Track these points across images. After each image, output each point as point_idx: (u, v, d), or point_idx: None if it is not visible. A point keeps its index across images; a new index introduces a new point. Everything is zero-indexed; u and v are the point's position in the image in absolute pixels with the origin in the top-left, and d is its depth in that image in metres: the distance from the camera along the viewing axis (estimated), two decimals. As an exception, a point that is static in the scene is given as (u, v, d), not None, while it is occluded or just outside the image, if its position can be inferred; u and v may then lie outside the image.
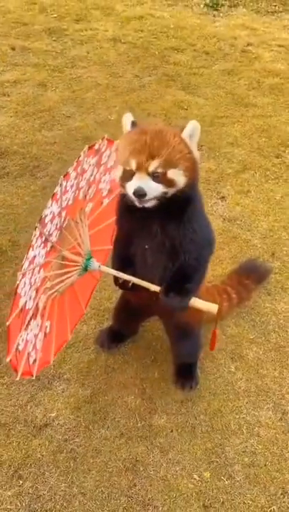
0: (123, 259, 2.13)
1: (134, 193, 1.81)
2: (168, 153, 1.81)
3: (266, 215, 3.45)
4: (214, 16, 6.51)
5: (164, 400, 2.41)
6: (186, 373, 2.47)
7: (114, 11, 6.36)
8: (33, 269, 1.86)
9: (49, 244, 1.93)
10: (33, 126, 4.21)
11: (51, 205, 1.82)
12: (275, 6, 6.85)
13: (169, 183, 1.83)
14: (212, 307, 2.00)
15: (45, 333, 2.06)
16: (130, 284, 2.09)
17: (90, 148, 1.96)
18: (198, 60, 5.36)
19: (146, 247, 2.01)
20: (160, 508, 2.05)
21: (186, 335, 2.40)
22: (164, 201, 1.86)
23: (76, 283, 2.11)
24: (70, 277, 2.04)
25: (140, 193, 1.80)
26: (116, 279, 2.13)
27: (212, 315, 2.36)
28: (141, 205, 1.85)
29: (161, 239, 1.97)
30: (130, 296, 2.33)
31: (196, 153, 1.91)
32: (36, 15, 6.10)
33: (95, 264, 2.06)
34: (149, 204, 1.85)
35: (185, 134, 1.87)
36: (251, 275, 2.84)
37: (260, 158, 3.97)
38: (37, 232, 1.81)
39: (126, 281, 2.09)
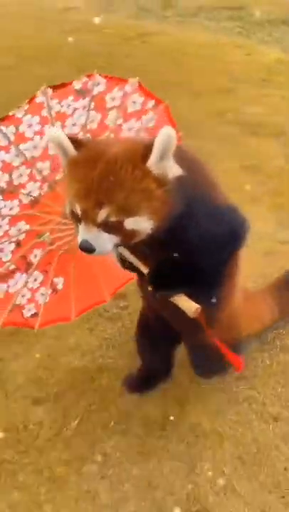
0: None
1: (80, 247, 1.43)
2: (122, 198, 1.36)
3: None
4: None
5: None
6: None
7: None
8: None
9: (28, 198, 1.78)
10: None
11: None
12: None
13: (128, 234, 1.41)
14: (192, 307, 1.63)
15: (54, 289, 2.01)
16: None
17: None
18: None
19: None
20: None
21: (203, 351, 1.99)
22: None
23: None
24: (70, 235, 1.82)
25: (86, 248, 1.42)
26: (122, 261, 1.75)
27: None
28: None
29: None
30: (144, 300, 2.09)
31: (175, 171, 1.44)
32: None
33: None
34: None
35: (153, 160, 1.37)
36: None
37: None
38: None
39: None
